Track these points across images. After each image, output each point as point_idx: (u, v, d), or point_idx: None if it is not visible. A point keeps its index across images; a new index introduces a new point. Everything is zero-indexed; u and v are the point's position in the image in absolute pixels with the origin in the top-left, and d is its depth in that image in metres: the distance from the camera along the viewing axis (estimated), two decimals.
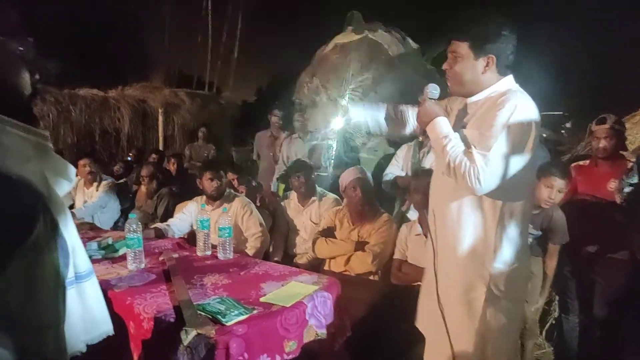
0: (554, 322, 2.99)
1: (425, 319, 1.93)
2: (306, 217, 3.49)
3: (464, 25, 1.66)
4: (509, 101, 1.54)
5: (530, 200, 1.74)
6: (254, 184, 4.66)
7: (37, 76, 0.81)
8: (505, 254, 1.66)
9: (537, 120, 1.56)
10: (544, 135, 5.43)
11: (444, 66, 1.72)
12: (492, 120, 1.55)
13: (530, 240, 2.48)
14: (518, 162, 1.55)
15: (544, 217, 2.59)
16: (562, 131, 6.09)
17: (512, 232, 1.66)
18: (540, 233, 2.65)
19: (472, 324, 1.70)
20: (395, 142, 4.38)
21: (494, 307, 1.68)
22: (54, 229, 0.67)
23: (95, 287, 0.92)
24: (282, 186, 4.31)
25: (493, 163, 1.51)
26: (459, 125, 1.73)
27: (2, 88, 0.76)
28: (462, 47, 1.64)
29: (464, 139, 1.63)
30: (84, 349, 0.82)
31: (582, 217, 2.68)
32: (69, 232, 0.76)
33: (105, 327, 0.95)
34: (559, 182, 2.48)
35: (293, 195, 3.61)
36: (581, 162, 3.00)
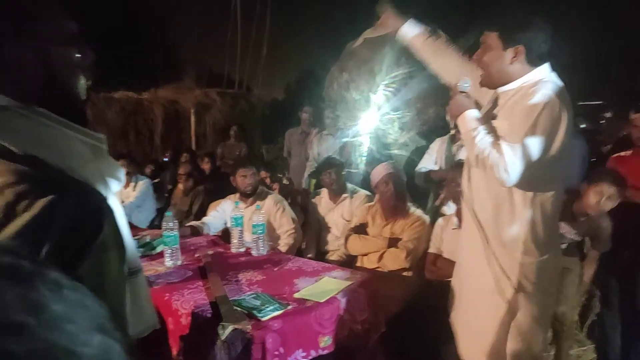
0: (595, 318, 2.90)
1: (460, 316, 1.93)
2: (338, 214, 3.48)
3: (494, 16, 1.66)
4: (539, 92, 1.52)
5: (562, 192, 1.73)
6: (284, 181, 4.70)
7: (89, 82, 0.85)
8: (535, 246, 1.66)
9: (568, 111, 1.53)
10: (582, 125, 5.24)
11: (474, 56, 1.73)
12: (521, 111, 1.54)
13: (565, 244, 2.42)
14: (548, 154, 1.53)
15: (590, 226, 2.44)
16: (601, 121, 5.87)
17: (543, 224, 1.65)
18: (580, 239, 2.56)
19: (503, 314, 1.71)
20: (427, 136, 4.33)
21: (524, 298, 1.69)
22: (115, 228, 0.71)
23: (143, 283, 0.97)
24: (314, 181, 4.32)
25: (521, 154, 1.49)
26: (489, 116, 1.72)
27: (64, 94, 0.80)
28: (492, 38, 1.63)
29: (494, 131, 1.62)
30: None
31: (626, 211, 2.58)
32: (124, 231, 0.80)
33: (152, 320, 0.99)
34: (609, 189, 2.25)
35: (324, 192, 3.61)
36: (622, 153, 2.89)
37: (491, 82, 1.70)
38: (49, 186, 0.65)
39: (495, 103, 1.74)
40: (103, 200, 0.70)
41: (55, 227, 0.62)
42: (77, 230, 0.64)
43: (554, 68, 1.65)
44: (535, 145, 1.49)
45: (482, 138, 1.58)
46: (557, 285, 1.90)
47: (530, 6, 1.62)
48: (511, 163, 1.49)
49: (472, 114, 1.66)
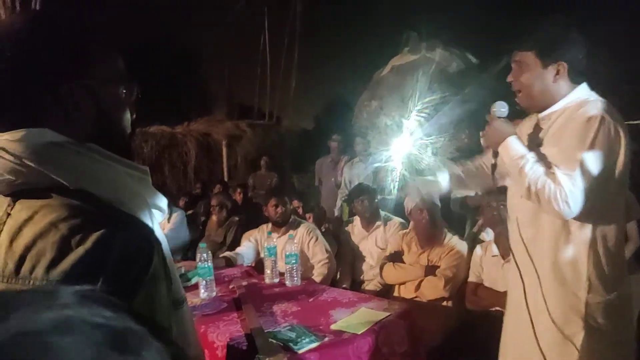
0: None
1: (513, 356, 1.73)
2: (371, 242, 3.42)
3: (528, 34, 1.55)
4: (591, 112, 1.40)
5: (624, 220, 1.58)
6: (316, 210, 4.69)
7: (134, 115, 0.88)
8: (601, 283, 1.48)
9: (624, 130, 1.40)
10: None
11: (509, 78, 1.59)
12: (572, 133, 1.42)
13: None
14: (609, 180, 1.40)
15: None
16: None
17: (607, 257, 1.48)
18: None
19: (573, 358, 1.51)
20: (459, 161, 4.25)
21: (598, 343, 1.50)
22: (163, 259, 0.71)
23: (189, 313, 0.97)
24: (347, 209, 4.30)
25: (581, 183, 1.36)
26: (533, 143, 1.59)
27: (113, 129, 0.83)
28: (528, 57, 1.51)
29: (543, 159, 1.49)
30: None
31: None
32: (169, 261, 0.80)
33: (196, 350, 0.98)
34: None
35: (357, 220, 3.56)
36: None
37: (532, 103, 1.58)
38: (101, 220, 0.66)
39: (537, 129, 1.62)
40: (152, 232, 0.71)
41: (109, 261, 0.62)
42: (129, 263, 0.65)
43: (593, 86, 1.54)
44: (594, 170, 1.37)
45: (532, 167, 1.46)
46: (633, 325, 1.64)
47: (563, 21, 1.53)
48: (571, 194, 1.36)
49: (515, 140, 1.54)
